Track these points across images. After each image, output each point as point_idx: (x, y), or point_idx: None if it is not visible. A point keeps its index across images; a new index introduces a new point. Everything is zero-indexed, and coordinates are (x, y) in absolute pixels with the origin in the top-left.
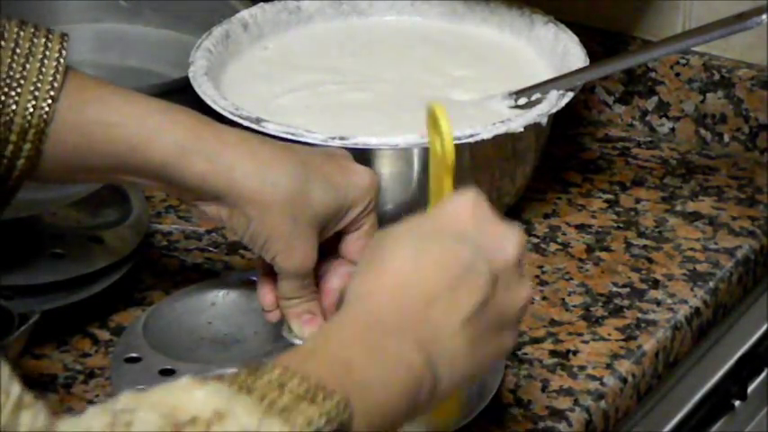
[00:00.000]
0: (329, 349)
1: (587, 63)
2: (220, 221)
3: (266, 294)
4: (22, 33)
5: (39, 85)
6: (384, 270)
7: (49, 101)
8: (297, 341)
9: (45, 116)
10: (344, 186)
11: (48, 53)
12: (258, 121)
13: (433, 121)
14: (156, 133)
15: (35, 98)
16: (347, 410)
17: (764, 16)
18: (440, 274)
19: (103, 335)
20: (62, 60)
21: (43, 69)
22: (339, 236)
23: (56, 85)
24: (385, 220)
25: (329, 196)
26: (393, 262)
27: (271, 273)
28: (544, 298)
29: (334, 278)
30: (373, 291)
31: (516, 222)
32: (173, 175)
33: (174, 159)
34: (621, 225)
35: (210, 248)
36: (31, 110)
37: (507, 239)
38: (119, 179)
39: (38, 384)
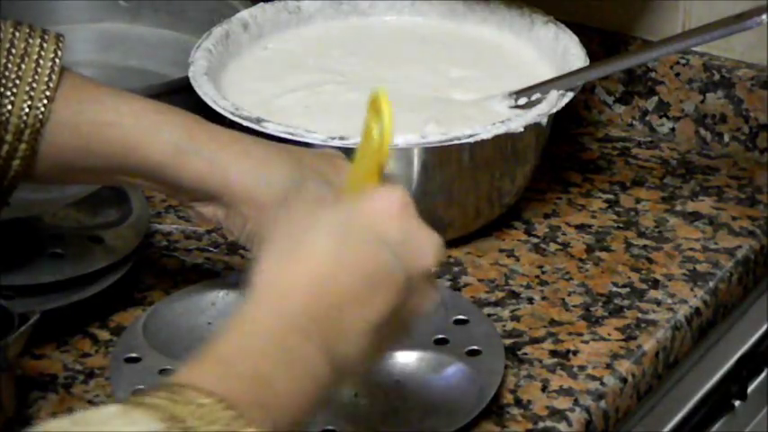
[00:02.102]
0: (248, 364)
1: (587, 63)
2: (217, 222)
3: None
4: (17, 34)
5: (34, 85)
6: (300, 261)
7: (45, 101)
8: None
9: (41, 116)
10: (339, 185)
11: (43, 54)
12: (258, 121)
13: (375, 107)
14: (152, 133)
15: (31, 98)
16: None
17: (764, 16)
18: (358, 276)
19: (103, 335)
20: (57, 61)
21: (39, 70)
22: None
23: (51, 85)
24: None
25: (325, 195)
26: (311, 255)
27: None
28: (544, 298)
29: None
30: (288, 287)
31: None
32: (168, 175)
33: (169, 159)
34: (621, 225)
35: (210, 248)
36: (27, 110)
37: (428, 246)
38: (114, 180)
39: (38, 384)
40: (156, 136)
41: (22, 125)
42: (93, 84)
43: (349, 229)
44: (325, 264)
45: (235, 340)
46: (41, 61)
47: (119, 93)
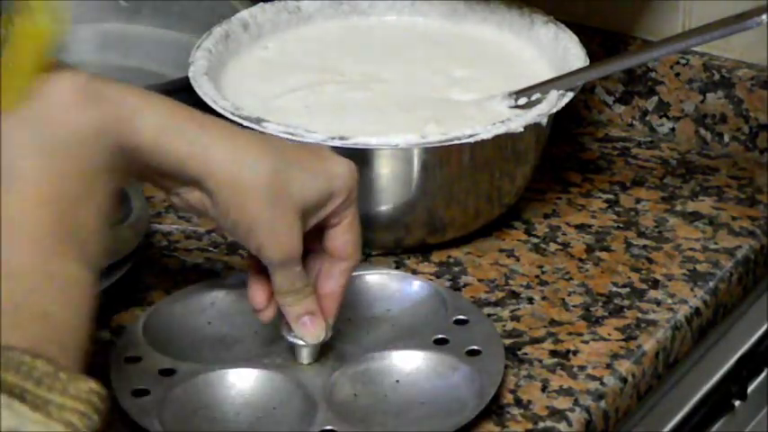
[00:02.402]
0: (27, 306)
1: (587, 63)
2: (203, 211)
3: (257, 292)
4: None
5: None
6: (18, 190)
7: None
8: (297, 341)
9: None
10: (324, 174)
11: None
12: (258, 121)
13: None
14: (134, 115)
15: None
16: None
17: (764, 16)
18: (74, 178)
19: (103, 335)
20: None
21: None
22: (321, 233)
23: None
24: (385, 220)
25: (310, 183)
26: (25, 178)
27: (261, 272)
28: (544, 298)
29: (329, 280)
30: (20, 218)
31: None
32: (150, 158)
33: (151, 142)
34: (621, 225)
35: (210, 248)
36: None
37: (122, 116)
38: None
39: None
40: (139, 118)
41: None
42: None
43: (43, 137)
44: (41, 184)
45: (8, 286)
46: None
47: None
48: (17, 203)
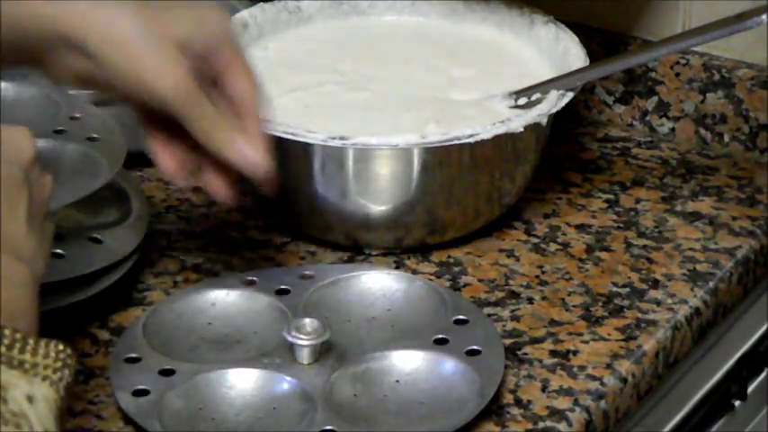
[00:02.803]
0: None
1: (587, 63)
2: (81, 74)
3: (165, 159)
4: None
5: None
6: None
7: None
8: (298, 341)
9: None
10: (195, 15)
11: None
12: None
13: None
14: None
15: None
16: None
17: (764, 16)
18: None
19: (103, 335)
20: None
21: None
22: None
23: None
24: (385, 220)
25: (182, 21)
26: None
27: (164, 137)
28: (544, 298)
29: (237, 80)
30: None
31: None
32: (14, 23)
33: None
34: (621, 225)
35: (210, 248)
36: None
37: (20, 140)
38: None
39: None
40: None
41: None
42: None
43: None
44: None
45: None
46: None
47: None
48: None
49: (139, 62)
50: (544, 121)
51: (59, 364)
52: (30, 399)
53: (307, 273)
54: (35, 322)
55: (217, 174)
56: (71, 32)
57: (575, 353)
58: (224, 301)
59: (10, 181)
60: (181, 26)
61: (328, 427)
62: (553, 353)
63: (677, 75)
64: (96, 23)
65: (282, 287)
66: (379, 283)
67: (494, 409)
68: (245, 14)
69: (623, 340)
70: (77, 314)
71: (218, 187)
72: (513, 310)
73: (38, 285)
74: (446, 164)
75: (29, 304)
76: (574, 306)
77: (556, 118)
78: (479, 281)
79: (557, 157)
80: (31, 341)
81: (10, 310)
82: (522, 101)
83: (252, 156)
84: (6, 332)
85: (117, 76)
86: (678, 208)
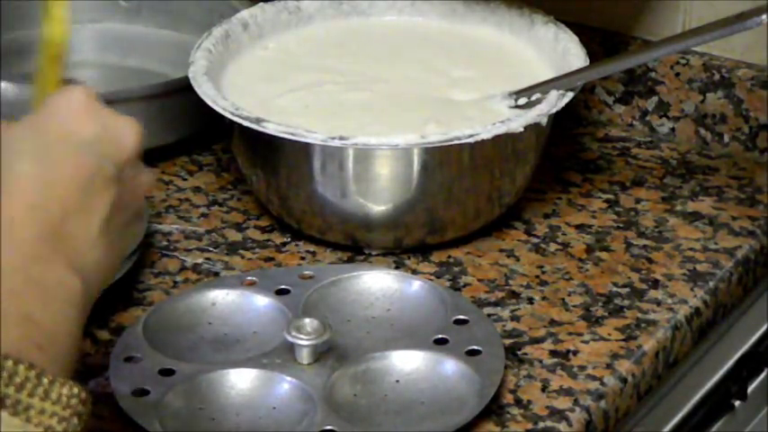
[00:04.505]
0: (7, 308)
1: (587, 63)
2: None
3: None
4: None
5: None
6: (10, 194)
7: None
8: (298, 341)
9: None
10: None
11: None
12: (258, 121)
13: (48, 6)
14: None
15: None
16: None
17: (764, 16)
18: (68, 187)
19: (103, 335)
20: None
21: None
22: None
23: None
24: (385, 220)
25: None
26: (18, 185)
27: None
28: (544, 298)
29: None
30: (7, 221)
31: (129, 118)
32: None
33: None
34: (621, 225)
35: (210, 248)
36: None
37: (124, 132)
38: None
39: None
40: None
41: None
42: None
43: (43, 145)
44: (34, 190)
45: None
46: None
47: None
48: (8, 206)
49: None
50: (544, 121)
51: (68, 412)
52: None
53: (307, 273)
54: (75, 348)
55: None
56: None
57: (575, 353)
58: (224, 301)
59: (94, 177)
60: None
61: (328, 427)
62: (553, 353)
63: (677, 75)
64: None
65: (282, 287)
66: (379, 283)
67: (494, 409)
68: (245, 14)
69: (623, 340)
70: None
71: None
72: (513, 310)
73: (90, 305)
74: (446, 164)
75: (73, 327)
76: (574, 306)
77: (556, 118)
78: (479, 281)
79: (557, 157)
80: (45, 381)
81: (48, 330)
82: (522, 101)
83: None
84: (20, 369)
85: None
86: (678, 208)
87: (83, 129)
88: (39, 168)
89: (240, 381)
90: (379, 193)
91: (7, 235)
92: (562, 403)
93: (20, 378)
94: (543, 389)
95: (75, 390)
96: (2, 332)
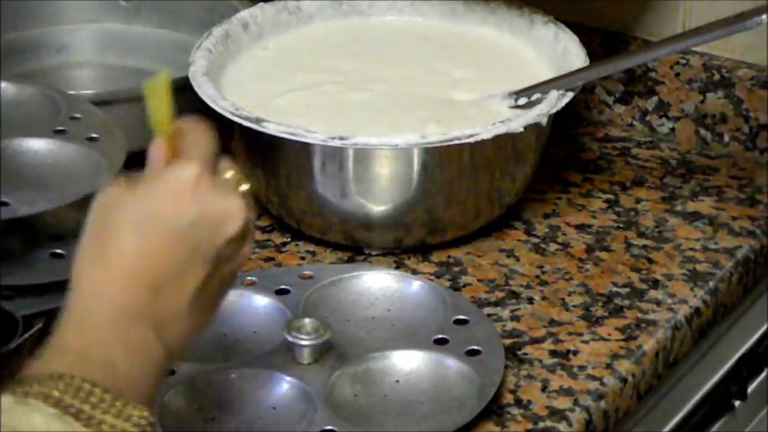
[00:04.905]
0: (96, 353)
1: (587, 63)
2: None
3: None
4: None
5: None
6: (110, 262)
7: None
8: (298, 341)
9: None
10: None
11: None
12: (258, 121)
13: (154, 89)
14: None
15: None
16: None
17: (764, 16)
18: (164, 262)
19: None
20: None
21: None
22: None
23: None
24: (385, 220)
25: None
26: (119, 252)
27: None
28: (544, 298)
29: None
30: (107, 286)
31: (240, 194)
32: None
33: None
34: (621, 225)
35: None
36: None
37: (228, 213)
38: None
39: None
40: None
41: None
42: None
43: (145, 220)
44: (134, 261)
45: (81, 333)
46: None
47: None
48: (107, 269)
49: None
50: (544, 121)
51: (137, 429)
52: None
53: (307, 273)
54: (149, 399)
55: None
56: None
57: (575, 353)
58: (224, 300)
59: (190, 257)
60: None
61: (328, 427)
62: (553, 353)
63: (677, 75)
64: None
65: (282, 287)
66: (379, 283)
67: (494, 409)
68: (245, 14)
69: (623, 340)
70: None
71: None
72: (513, 310)
73: (169, 368)
74: (446, 164)
75: (150, 380)
76: (574, 306)
77: (556, 118)
78: (479, 281)
79: (557, 157)
80: (118, 403)
81: (127, 378)
82: (522, 101)
83: None
84: (96, 391)
85: None
86: (678, 208)
87: (185, 211)
88: (138, 241)
89: (240, 381)
90: (379, 193)
91: (104, 292)
92: (562, 403)
93: (95, 398)
94: (543, 389)
95: (146, 413)
96: (86, 368)
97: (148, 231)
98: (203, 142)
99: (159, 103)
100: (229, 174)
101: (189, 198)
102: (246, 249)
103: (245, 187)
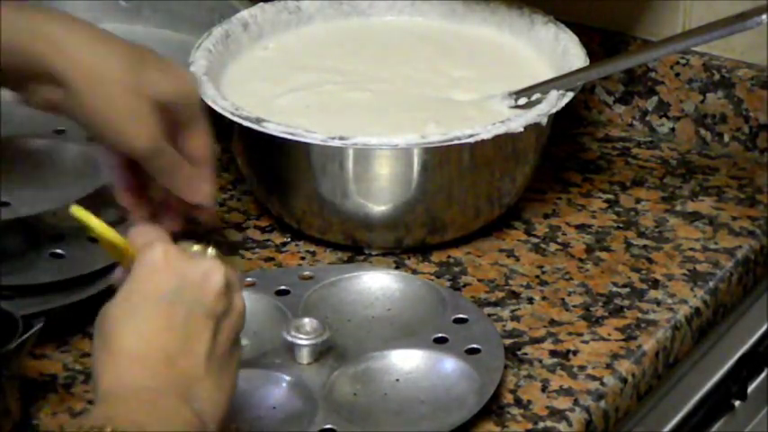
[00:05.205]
0: (127, 416)
1: (587, 63)
2: (59, 106)
3: (124, 194)
4: None
5: None
6: (118, 352)
7: None
8: (298, 341)
9: None
10: (174, 76)
11: None
12: (258, 121)
13: (82, 219)
14: None
15: None
16: None
17: (764, 16)
18: (167, 335)
19: None
20: None
21: None
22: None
23: None
24: (385, 220)
25: (167, 81)
26: (123, 342)
27: (126, 174)
28: (544, 298)
29: (196, 137)
30: (120, 375)
31: (210, 257)
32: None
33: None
34: (621, 225)
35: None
36: None
37: (207, 274)
38: None
39: (38, 384)
40: None
41: None
42: None
43: (132, 307)
44: (138, 345)
45: (117, 405)
46: None
47: None
48: (115, 362)
49: (116, 111)
50: (544, 121)
51: None
52: None
53: (307, 273)
54: None
55: (167, 209)
56: (58, 66)
57: (575, 353)
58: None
59: (187, 320)
60: (158, 86)
61: (328, 427)
62: (553, 353)
63: (677, 75)
64: (83, 62)
65: (282, 287)
66: (379, 283)
67: (494, 409)
68: (245, 14)
69: (623, 340)
70: (77, 314)
71: (168, 223)
72: (513, 310)
73: None
74: (446, 164)
75: None
76: (574, 306)
77: (556, 118)
78: (479, 281)
79: (557, 157)
80: None
81: None
82: (522, 101)
83: (207, 194)
84: None
85: (86, 114)
86: (678, 208)
87: (165, 283)
88: (134, 326)
89: (240, 380)
90: (379, 193)
91: (123, 382)
92: (562, 403)
93: None
94: (543, 389)
95: None
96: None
97: (140, 314)
98: (154, 232)
99: (97, 229)
100: (194, 248)
101: (164, 271)
102: (237, 301)
103: (211, 252)
